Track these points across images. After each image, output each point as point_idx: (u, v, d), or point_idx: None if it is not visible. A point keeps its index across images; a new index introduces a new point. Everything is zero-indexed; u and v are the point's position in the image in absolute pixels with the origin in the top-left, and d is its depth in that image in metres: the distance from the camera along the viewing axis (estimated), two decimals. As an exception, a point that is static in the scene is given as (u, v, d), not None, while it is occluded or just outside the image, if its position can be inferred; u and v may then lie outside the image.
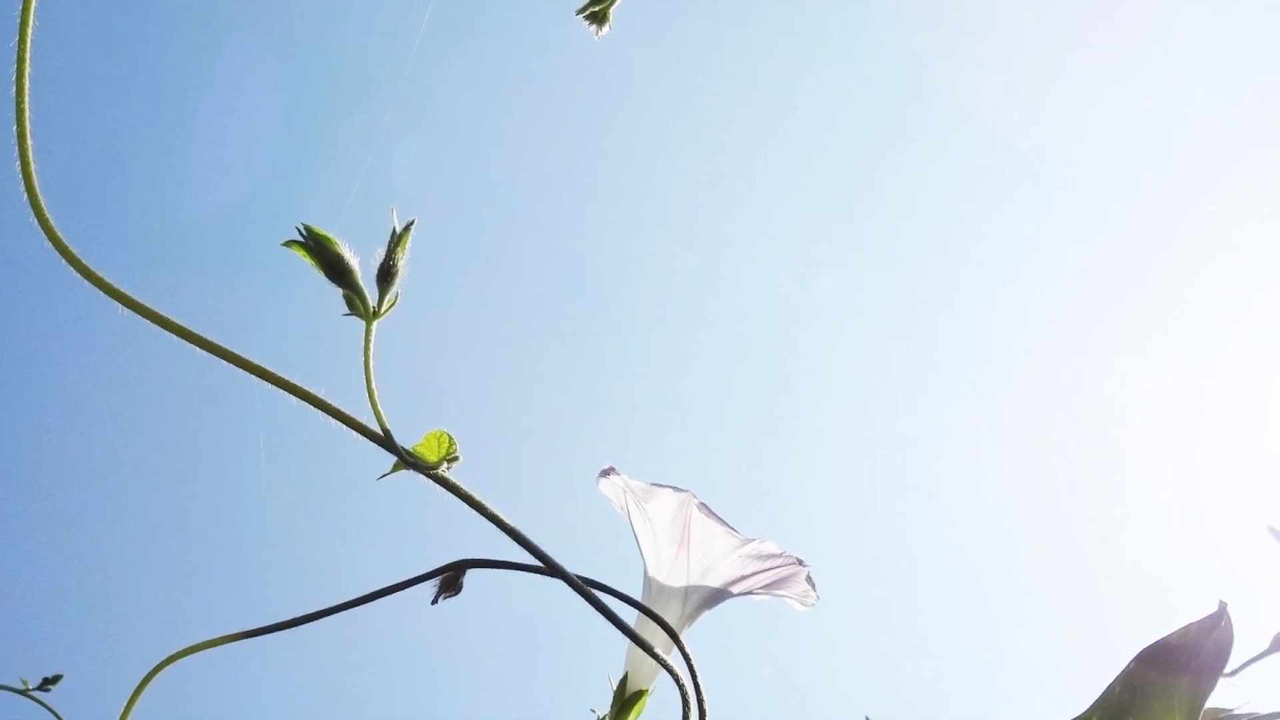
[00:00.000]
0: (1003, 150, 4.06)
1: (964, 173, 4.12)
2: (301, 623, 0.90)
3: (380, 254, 0.86)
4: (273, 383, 0.82)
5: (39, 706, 1.64)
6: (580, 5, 0.89)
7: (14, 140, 0.76)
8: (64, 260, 0.78)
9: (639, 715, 0.96)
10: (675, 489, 0.96)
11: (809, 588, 0.99)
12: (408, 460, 0.85)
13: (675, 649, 0.91)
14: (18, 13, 0.75)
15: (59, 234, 0.78)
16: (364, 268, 0.86)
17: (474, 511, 0.86)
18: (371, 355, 0.85)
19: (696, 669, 0.89)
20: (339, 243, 0.86)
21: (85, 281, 0.78)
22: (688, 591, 0.98)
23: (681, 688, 0.88)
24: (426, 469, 0.86)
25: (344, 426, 0.84)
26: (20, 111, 0.76)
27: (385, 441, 0.85)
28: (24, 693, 1.65)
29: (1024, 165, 4.07)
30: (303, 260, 0.85)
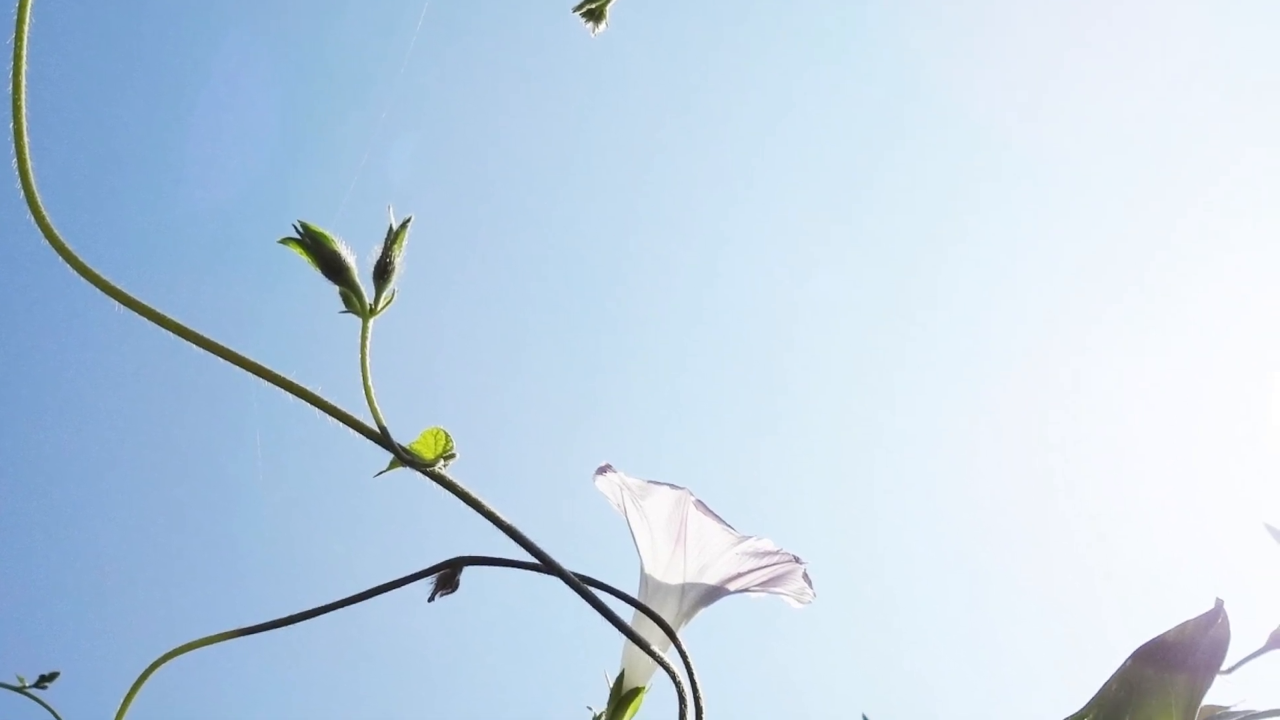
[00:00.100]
0: (1000, 148, 4.07)
1: (961, 171, 4.13)
2: (298, 620, 0.90)
3: (377, 251, 0.86)
4: (269, 380, 0.82)
5: (36, 704, 1.64)
6: (577, 2, 0.89)
7: (11, 137, 0.76)
8: (60, 257, 0.78)
9: (635, 713, 0.96)
10: (672, 486, 0.96)
11: (806, 585, 0.99)
12: (404, 457, 0.85)
13: (672, 646, 0.91)
14: (14, 10, 0.75)
15: (55, 231, 0.78)
16: (361, 265, 0.86)
17: (471, 509, 0.86)
18: (368, 352, 0.85)
19: (693, 666, 0.89)
20: (335, 240, 0.86)
21: (82, 279, 0.78)
22: (684, 589, 0.98)
23: (678, 685, 0.88)
24: (423, 466, 0.86)
25: (340, 424, 0.84)
26: (17, 109, 0.76)
27: (382, 439, 0.85)
28: (21, 690, 1.65)
29: (1021, 163, 4.07)
30: (299, 257, 0.85)
